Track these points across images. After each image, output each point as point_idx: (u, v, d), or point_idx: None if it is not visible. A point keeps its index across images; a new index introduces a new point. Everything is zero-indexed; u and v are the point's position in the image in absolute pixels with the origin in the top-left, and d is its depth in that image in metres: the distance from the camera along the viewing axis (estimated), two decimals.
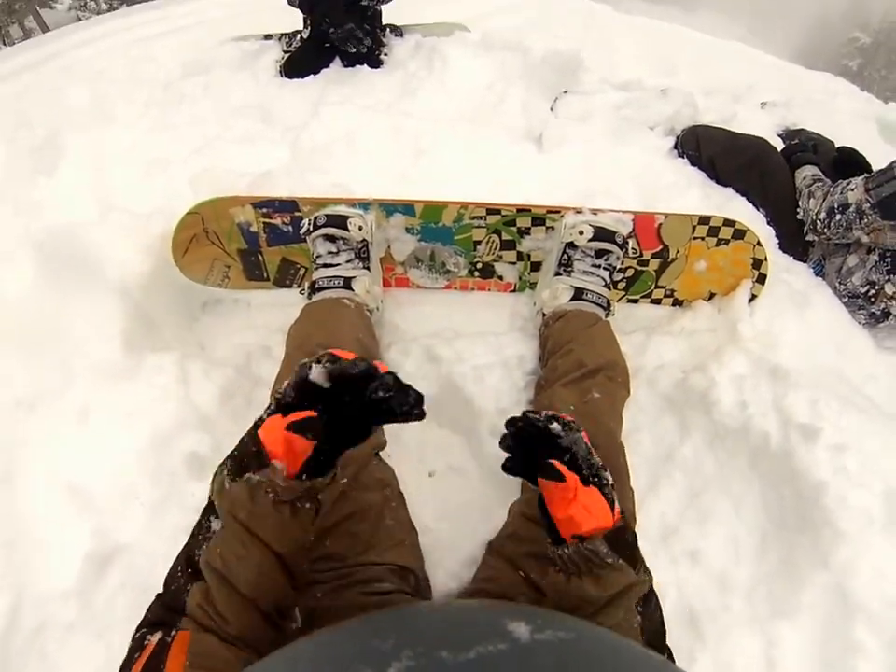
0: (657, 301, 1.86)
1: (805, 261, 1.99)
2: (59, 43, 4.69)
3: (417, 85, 2.48)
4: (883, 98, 4.30)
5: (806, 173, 2.04)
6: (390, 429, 1.45)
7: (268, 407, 0.82)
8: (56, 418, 1.41)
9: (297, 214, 1.68)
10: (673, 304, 1.86)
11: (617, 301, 1.80)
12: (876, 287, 1.82)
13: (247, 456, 0.79)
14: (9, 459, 1.35)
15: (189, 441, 1.45)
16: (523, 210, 1.68)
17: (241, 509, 0.77)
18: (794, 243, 1.98)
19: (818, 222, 1.90)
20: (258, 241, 1.74)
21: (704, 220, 1.70)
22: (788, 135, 2.49)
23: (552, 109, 2.47)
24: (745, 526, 1.46)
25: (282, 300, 1.79)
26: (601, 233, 1.60)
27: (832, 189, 1.89)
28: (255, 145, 2.16)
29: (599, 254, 1.61)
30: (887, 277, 1.80)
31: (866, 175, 1.81)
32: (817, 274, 1.95)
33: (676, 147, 2.30)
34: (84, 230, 1.74)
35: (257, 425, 0.81)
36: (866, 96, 4.15)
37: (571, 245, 1.62)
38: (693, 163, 2.21)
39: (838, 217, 1.83)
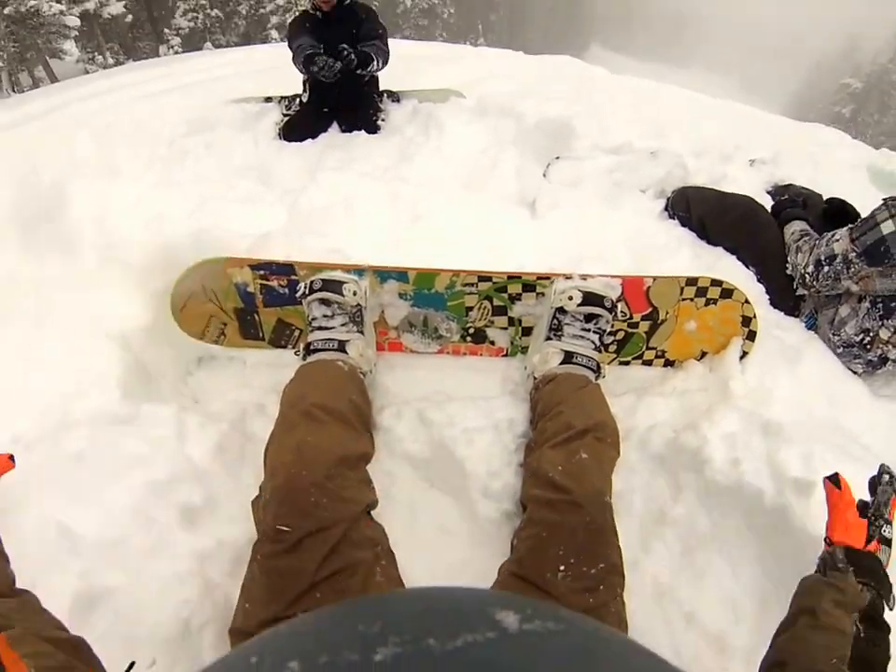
0: (648, 363, 1.87)
1: (796, 316, 2.01)
2: (67, 94, 4.81)
3: (414, 151, 2.55)
4: (877, 143, 4.42)
5: (794, 228, 2.05)
6: (382, 490, 1.46)
7: None
8: (52, 459, 1.41)
9: (293, 277, 1.72)
10: (665, 365, 1.88)
11: (608, 364, 1.82)
12: (871, 334, 1.83)
13: None
14: (2, 495, 1.34)
15: (183, 491, 1.45)
16: (514, 277, 1.72)
17: None
18: (785, 298, 2.01)
19: (806, 276, 1.91)
20: (254, 301, 1.78)
21: (691, 282, 1.73)
22: (776, 192, 2.52)
23: (544, 175, 2.54)
24: (742, 586, 1.43)
25: (277, 360, 1.82)
26: (590, 298, 1.63)
27: (817, 242, 1.91)
28: (254, 206, 2.20)
29: (589, 318, 1.65)
30: (880, 323, 1.81)
31: (850, 225, 1.84)
32: (809, 328, 1.97)
33: (666, 208, 2.34)
34: (86, 278, 1.78)
35: None
36: (857, 144, 4.24)
37: (561, 310, 1.66)
38: (683, 224, 2.25)
39: (826, 268, 1.84)
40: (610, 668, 0.33)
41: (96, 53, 18.80)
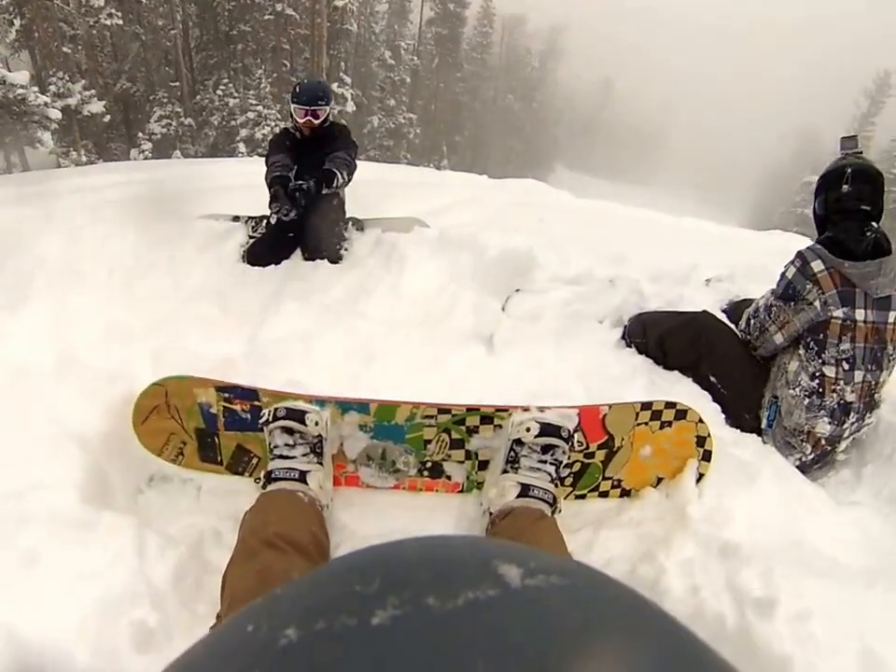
0: (605, 494, 1.86)
1: (757, 419, 2.12)
2: (40, 186, 4.83)
3: (374, 285, 2.61)
4: None
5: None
6: None
7: None
8: (2, 553, 1.35)
9: (256, 403, 1.74)
10: (621, 495, 1.87)
11: (564, 499, 1.81)
12: (818, 376, 1.97)
13: None
14: None
15: (138, 611, 1.37)
16: (473, 409, 1.76)
17: None
18: (749, 400, 2.13)
19: (742, 333, 2.22)
20: (216, 423, 1.77)
21: (646, 406, 1.77)
22: (731, 308, 2.60)
23: (503, 308, 2.60)
24: None
25: (233, 486, 1.79)
26: (547, 429, 1.67)
27: (751, 306, 2.20)
28: (215, 329, 2.22)
29: (545, 449, 1.67)
30: (820, 360, 1.97)
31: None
32: (772, 418, 2.08)
33: (623, 337, 2.42)
34: (45, 376, 1.78)
35: None
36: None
37: (518, 441, 1.68)
38: (640, 352, 2.33)
39: (752, 321, 2.16)
40: (618, 627, 0.32)
41: (71, 148, 19.06)
